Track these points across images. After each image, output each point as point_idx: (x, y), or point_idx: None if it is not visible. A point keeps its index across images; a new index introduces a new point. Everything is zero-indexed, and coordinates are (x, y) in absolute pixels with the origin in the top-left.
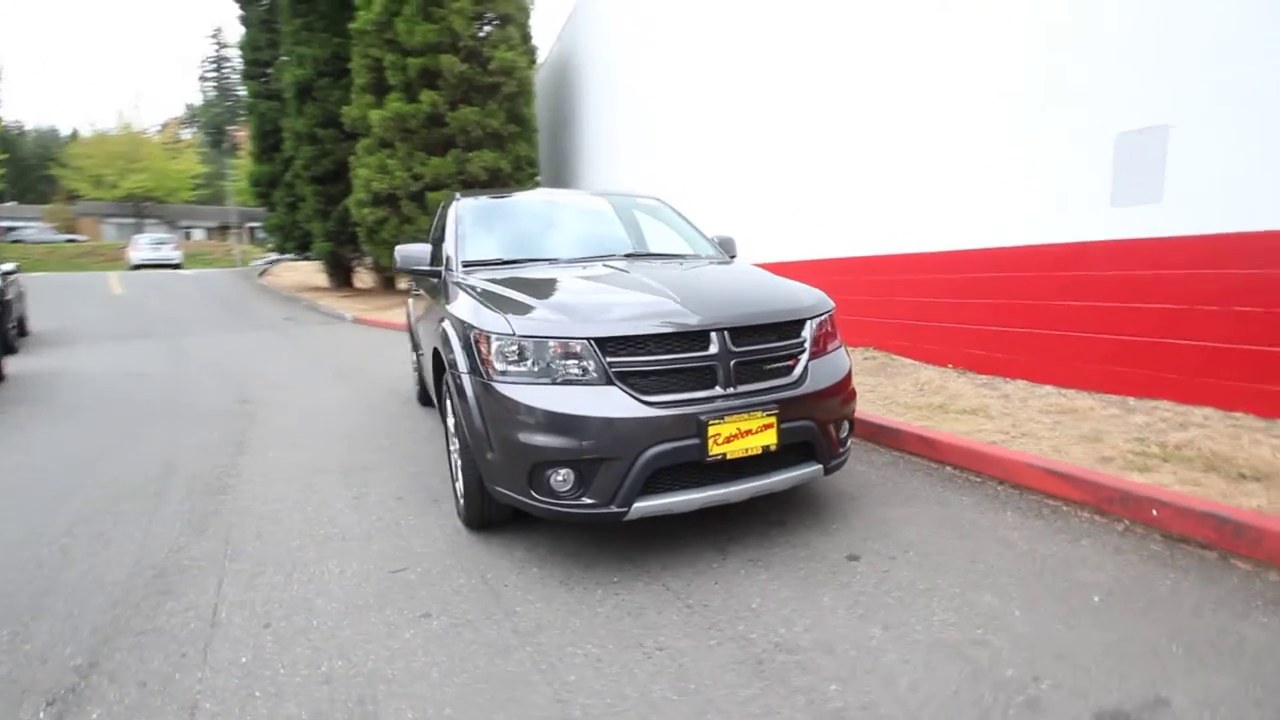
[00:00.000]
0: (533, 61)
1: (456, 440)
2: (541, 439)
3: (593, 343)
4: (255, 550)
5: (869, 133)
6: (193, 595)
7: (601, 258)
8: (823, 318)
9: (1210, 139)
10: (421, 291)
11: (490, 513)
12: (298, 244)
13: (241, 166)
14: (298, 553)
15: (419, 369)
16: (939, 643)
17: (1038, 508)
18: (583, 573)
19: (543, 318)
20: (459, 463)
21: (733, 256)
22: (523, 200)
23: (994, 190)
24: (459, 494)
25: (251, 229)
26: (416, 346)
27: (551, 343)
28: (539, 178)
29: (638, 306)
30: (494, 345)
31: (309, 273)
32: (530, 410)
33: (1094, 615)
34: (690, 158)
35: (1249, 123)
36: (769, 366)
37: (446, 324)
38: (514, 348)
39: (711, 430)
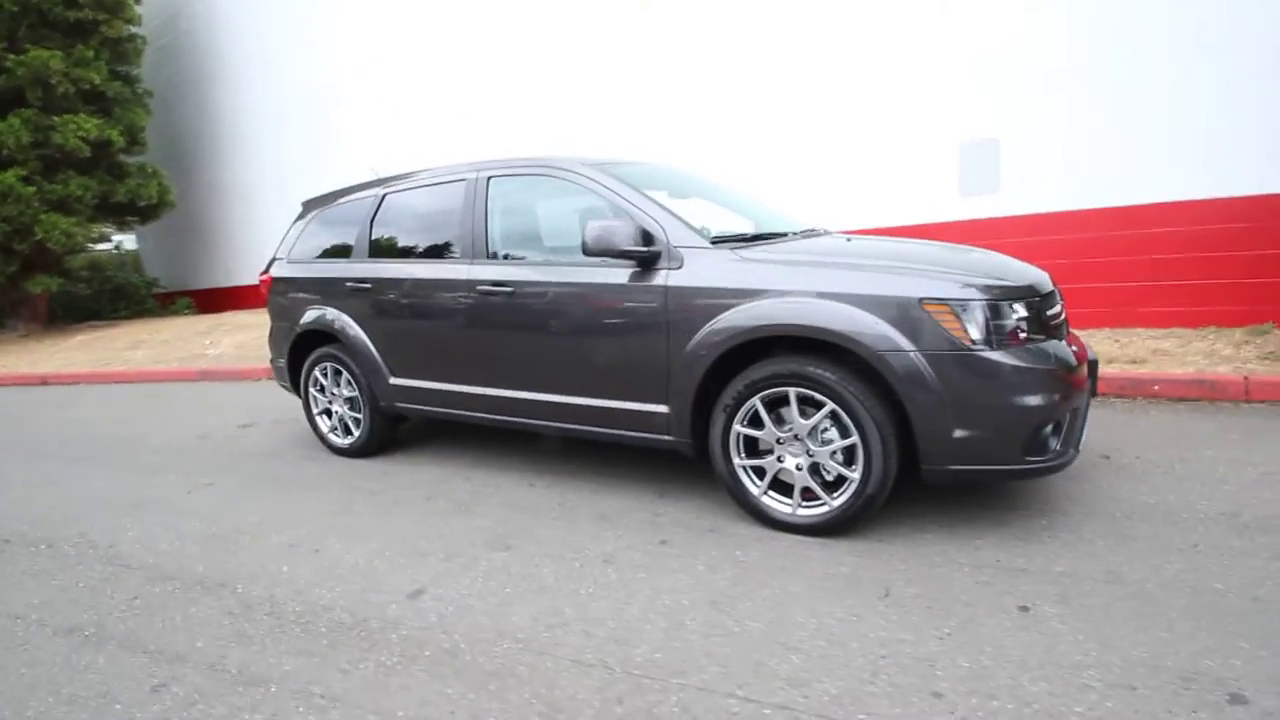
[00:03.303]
0: None
1: (842, 434)
2: (1042, 399)
3: (1039, 299)
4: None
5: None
6: None
7: (803, 232)
8: None
9: (1033, 146)
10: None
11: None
12: None
13: None
14: (752, 656)
15: (377, 403)
16: None
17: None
18: (989, 538)
19: (991, 280)
20: (864, 458)
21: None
22: (652, 169)
23: (852, 188)
24: (795, 501)
25: None
26: (369, 371)
27: (1023, 302)
28: (141, 158)
29: (1005, 266)
30: (967, 312)
31: None
32: (1025, 372)
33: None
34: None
35: (1060, 134)
36: None
37: (804, 303)
38: (986, 311)
39: (1099, 370)
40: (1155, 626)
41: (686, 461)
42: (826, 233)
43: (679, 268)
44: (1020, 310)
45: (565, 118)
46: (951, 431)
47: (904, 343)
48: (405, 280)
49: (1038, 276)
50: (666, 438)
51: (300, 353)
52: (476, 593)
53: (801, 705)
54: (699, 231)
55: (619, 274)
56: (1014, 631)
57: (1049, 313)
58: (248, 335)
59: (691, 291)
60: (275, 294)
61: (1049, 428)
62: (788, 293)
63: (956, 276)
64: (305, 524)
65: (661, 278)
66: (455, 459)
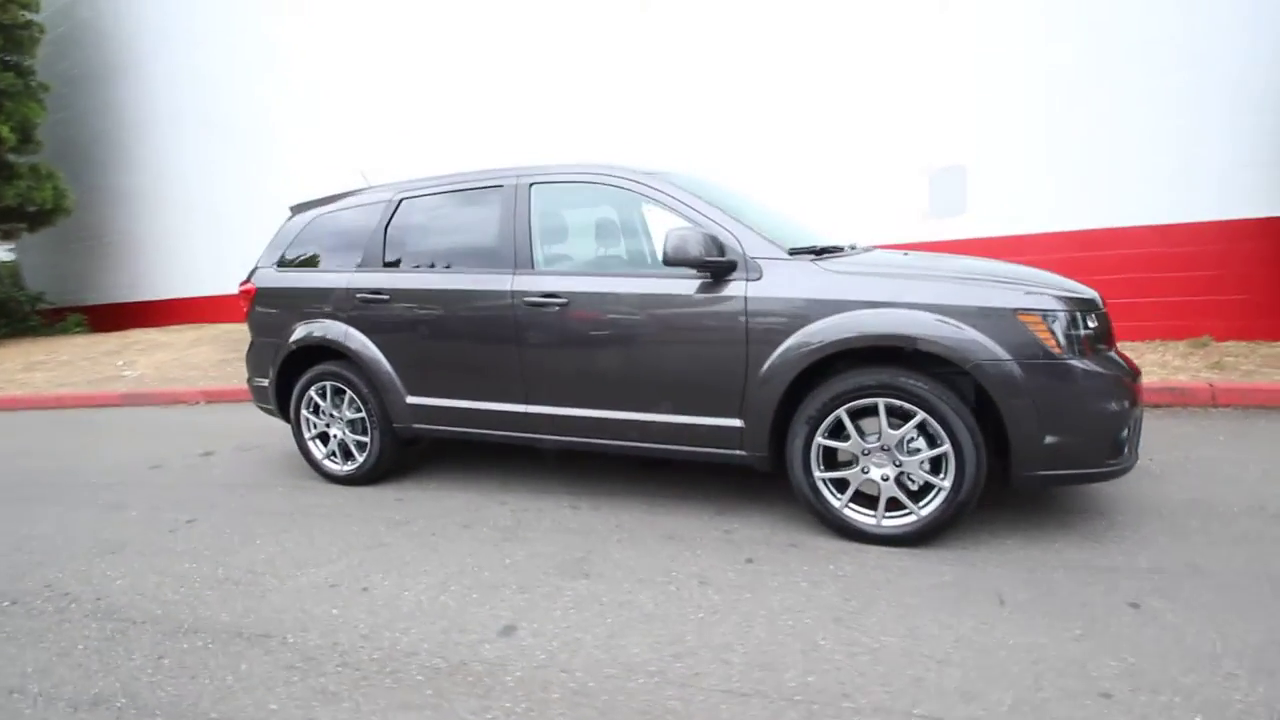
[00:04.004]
0: None
1: (934, 444)
2: (1119, 405)
3: (1101, 312)
4: None
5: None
6: None
7: (855, 247)
8: None
9: (997, 173)
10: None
11: None
12: None
13: None
14: (907, 672)
15: (390, 425)
16: None
17: None
18: (1065, 541)
19: (1067, 292)
20: (957, 465)
21: None
22: (689, 179)
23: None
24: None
25: None
26: (383, 390)
27: (1092, 314)
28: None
29: (1065, 281)
30: (1053, 322)
31: None
32: (1105, 379)
33: (1258, 435)
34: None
35: (1023, 163)
36: None
37: (903, 314)
38: (1067, 322)
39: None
40: (1257, 613)
41: (736, 477)
42: (874, 247)
43: (758, 278)
44: (1092, 321)
45: (549, 121)
46: (1043, 438)
47: (1001, 352)
48: (433, 291)
49: (1094, 291)
50: (739, 453)
51: (290, 371)
52: (577, 625)
53: (985, 719)
54: (775, 242)
55: (687, 284)
56: (1138, 628)
57: (1108, 325)
58: (167, 354)
59: (775, 302)
60: (260, 306)
61: (1124, 432)
62: (882, 304)
63: (1042, 288)
64: (333, 561)
65: (739, 288)
66: (476, 483)
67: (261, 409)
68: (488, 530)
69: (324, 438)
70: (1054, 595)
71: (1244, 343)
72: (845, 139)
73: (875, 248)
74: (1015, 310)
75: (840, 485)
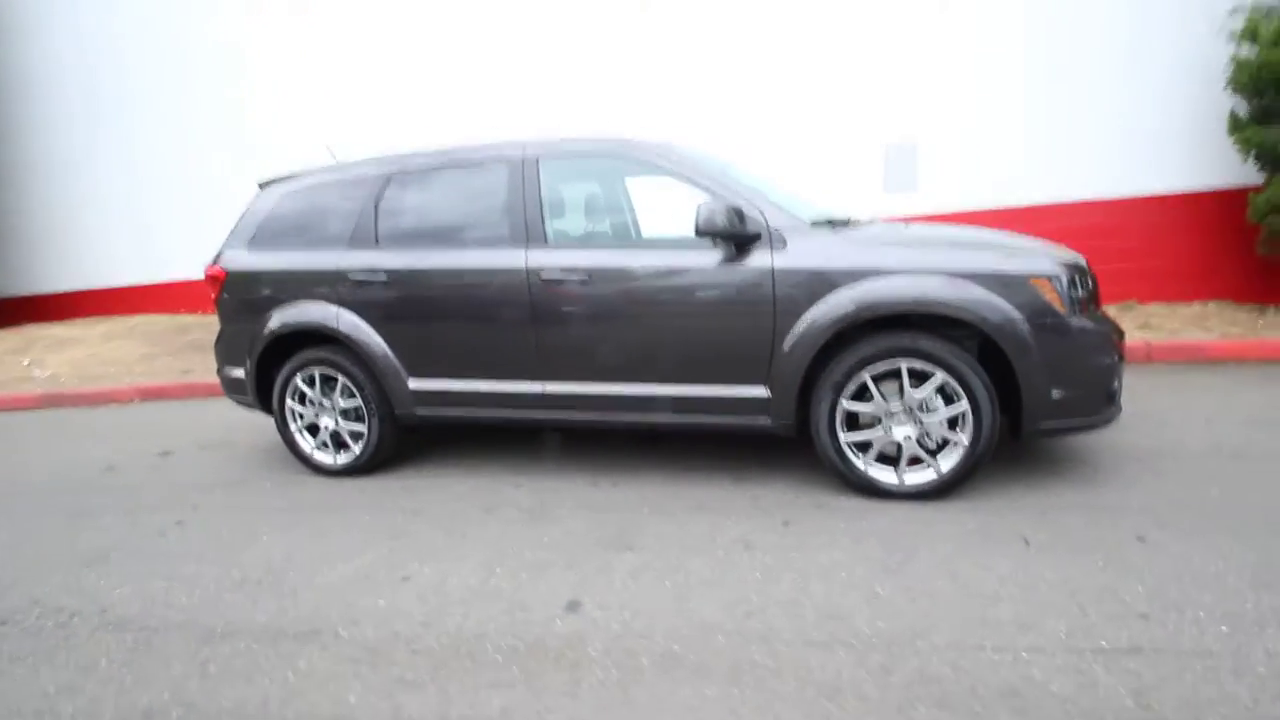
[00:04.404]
0: None
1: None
2: (1111, 359)
3: (1091, 275)
4: None
5: None
6: None
7: (851, 220)
8: None
9: (946, 152)
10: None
11: None
12: None
13: None
14: (967, 610)
15: (391, 411)
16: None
17: None
18: (1060, 487)
19: (1066, 257)
20: (975, 422)
21: None
22: (697, 151)
23: None
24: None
25: None
26: (383, 375)
27: (1086, 276)
28: None
29: (1059, 247)
30: (1059, 286)
31: None
32: (1096, 334)
33: (1195, 387)
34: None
35: (967, 142)
36: None
37: (931, 281)
38: (1068, 284)
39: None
40: (1243, 536)
41: (745, 445)
42: (875, 220)
43: (784, 249)
44: (1087, 284)
45: (524, 111)
46: (1050, 392)
47: (1016, 314)
48: (438, 271)
49: (1083, 257)
50: (763, 420)
51: (270, 360)
52: (640, 595)
53: (1046, 646)
54: (795, 214)
55: (711, 256)
56: (1151, 557)
57: (1096, 287)
58: (80, 351)
59: (801, 272)
60: (231, 291)
61: (1116, 383)
62: (905, 271)
63: (1048, 255)
64: (359, 553)
65: (765, 259)
66: (482, 468)
67: (237, 401)
68: (513, 512)
69: (314, 429)
70: (1070, 534)
71: (1165, 305)
72: (814, 121)
73: (876, 221)
74: (1028, 275)
75: (862, 447)
